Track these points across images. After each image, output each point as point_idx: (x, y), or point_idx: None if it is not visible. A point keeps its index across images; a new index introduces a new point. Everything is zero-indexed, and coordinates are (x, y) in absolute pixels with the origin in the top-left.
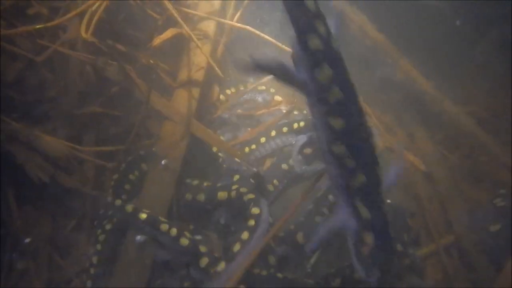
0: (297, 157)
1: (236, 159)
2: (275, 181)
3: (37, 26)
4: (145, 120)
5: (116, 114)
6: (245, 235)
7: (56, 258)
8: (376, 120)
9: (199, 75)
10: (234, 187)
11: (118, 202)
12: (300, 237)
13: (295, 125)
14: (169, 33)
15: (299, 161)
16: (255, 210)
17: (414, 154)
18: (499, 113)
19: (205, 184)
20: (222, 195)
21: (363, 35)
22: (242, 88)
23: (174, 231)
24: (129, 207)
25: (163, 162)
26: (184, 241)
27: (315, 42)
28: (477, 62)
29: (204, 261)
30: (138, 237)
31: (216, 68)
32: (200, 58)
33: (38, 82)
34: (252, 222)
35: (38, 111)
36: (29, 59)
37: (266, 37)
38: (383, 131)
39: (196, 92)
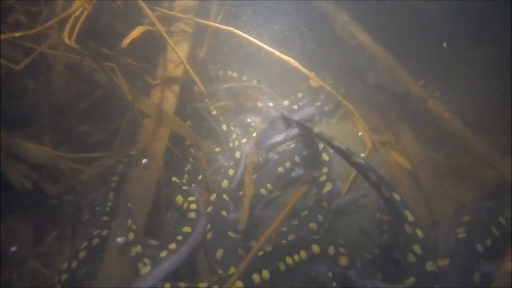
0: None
1: None
2: (268, 185)
3: (16, 34)
4: (130, 124)
5: (100, 119)
6: (172, 245)
7: (40, 267)
8: (362, 120)
9: (178, 72)
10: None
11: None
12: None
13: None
14: (137, 32)
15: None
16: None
17: (400, 154)
18: (484, 112)
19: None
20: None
21: (348, 36)
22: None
23: None
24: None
25: (143, 161)
26: None
27: None
28: (463, 62)
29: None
30: (119, 239)
31: (188, 67)
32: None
33: (19, 89)
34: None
35: (20, 118)
36: (9, 67)
37: (248, 37)
38: (369, 130)
39: (175, 88)
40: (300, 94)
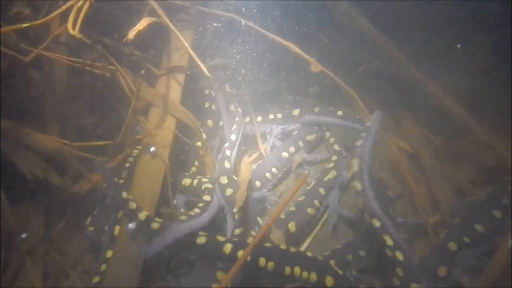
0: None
1: None
2: (273, 170)
3: (24, 25)
4: (134, 114)
5: (104, 109)
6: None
7: (53, 253)
8: (363, 105)
9: (183, 61)
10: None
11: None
12: (292, 226)
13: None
14: (143, 23)
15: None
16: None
17: (400, 137)
18: (482, 95)
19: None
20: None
21: (348, 21)
22: None
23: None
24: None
25: (151, 149)
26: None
27: None
28: (462, 46)
29: None
30: (130, 225)
31: (193, 53)
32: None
33: (25, 80)
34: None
35: (26, 109)
36: (15, 58)
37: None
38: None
39: (181, 77)
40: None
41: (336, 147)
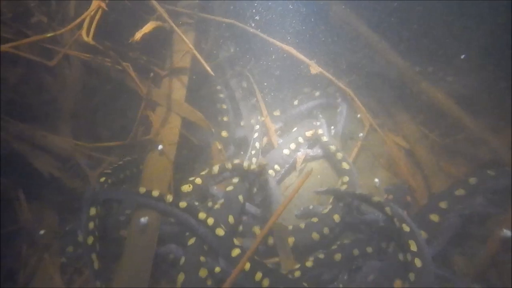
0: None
1: None
2: (276, 167)
3: (48, 35)
4: (144, 114)
5: (114, 111)
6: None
7: (66, 247)
8: (360, 103)
9: (185, 62)
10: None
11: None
12: (291, 241)
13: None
14: (150, 26)
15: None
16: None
17: (397, 134)
18: (477, 91)
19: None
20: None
21: (345, 23)
22: None
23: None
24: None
25: (159, 147)
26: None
27: None
28: (456, 41)
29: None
30: (142, 219)
31: (197, 54)
32: (185, 46)
33: (38, 84)
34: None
35: (40, 111)
36: (28, 63)
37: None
38: (367, 113)
39: (184, 78)
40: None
41: (346, 165)
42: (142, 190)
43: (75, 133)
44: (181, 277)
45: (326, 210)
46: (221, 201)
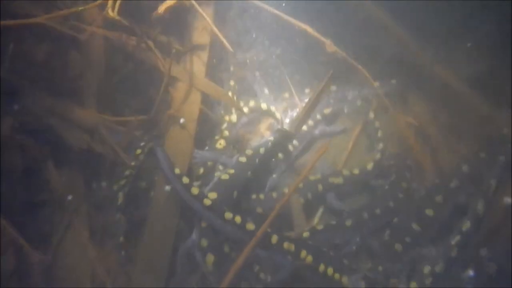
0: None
1: None
2: (295, 142)
3: (80, 8)
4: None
5: (137, 88)
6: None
7: (92, 212)
8: (373, 82)
9: (205, 39)
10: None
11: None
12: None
13: None
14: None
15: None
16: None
17: (407, 113)
18: (483, 73)
19: None
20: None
21: (356, 4)
22: None
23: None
24: (195, 190)
25: (181, 121)
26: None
27: None
28: (464, 24)
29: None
30: (167, 187)
31: (215, 29)
32: (205, 22)
33: (65, 61)
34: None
35: (67, 87)
36: (55, 40)
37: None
38: (379, 93)
39: (204, 54)
40: None
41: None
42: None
43: (100, 108)
44: (210, 257)
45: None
46: (231, 171)
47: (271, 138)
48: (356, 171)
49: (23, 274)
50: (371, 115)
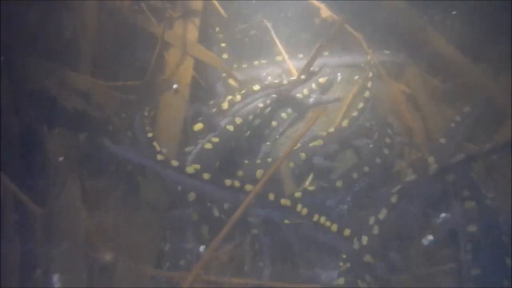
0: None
1: None
2: (289, 110)
3: None
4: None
5: (131, 52)
6: None
7: (85, 172)
8: (367, 49)
9: (197, 4)
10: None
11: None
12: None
13: None
14: None
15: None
16: None
17: (401, 80)
18: (480, 41)
19: None
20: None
21: None
22: None
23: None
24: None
25: (174, 86)
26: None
27: None
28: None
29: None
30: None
31: None
32: None
33: (58, 24)
34: None
35: (61, 50)
36: (47, 3)
37: None
38: (373, 59)
39: (196, 20)
40: None
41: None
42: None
43: (94, 72)
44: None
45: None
46: (215, 139)
47: (261, 104)
48: (331, 129)
49: (23, 227)
50: (366, 83)
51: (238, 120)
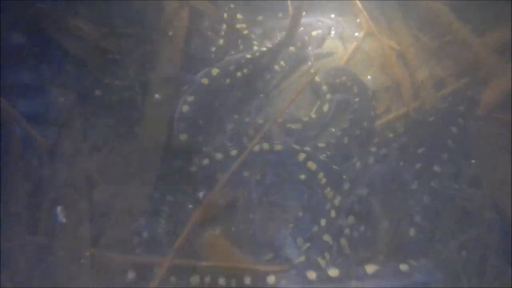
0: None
1: None
2: (282, 62)
3: None
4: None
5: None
6: None
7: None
8: (361, 7)
9: None
10: None
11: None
12: None
13: None
14: None
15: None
16: None
17: (391, 38)
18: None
19: None
20: None
21: None
22: None
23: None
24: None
25: (169, 33)
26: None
27: None
28: None
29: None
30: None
31: None
32: None
33: None
34: None
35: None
36: None
37: None
38: (367, 17)
39: None
40: None
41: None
42: None
43: (94, 19)
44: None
45: None
46: (190, 98)
47: (248, 55)
48: (313, 115)
49: (28, 159)
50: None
51: (214, 71)
